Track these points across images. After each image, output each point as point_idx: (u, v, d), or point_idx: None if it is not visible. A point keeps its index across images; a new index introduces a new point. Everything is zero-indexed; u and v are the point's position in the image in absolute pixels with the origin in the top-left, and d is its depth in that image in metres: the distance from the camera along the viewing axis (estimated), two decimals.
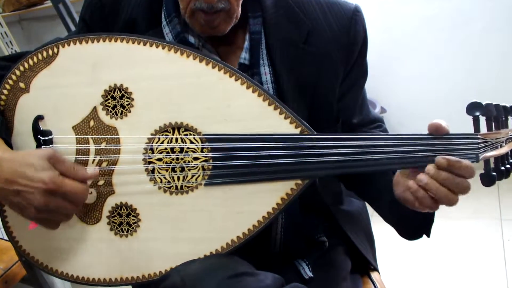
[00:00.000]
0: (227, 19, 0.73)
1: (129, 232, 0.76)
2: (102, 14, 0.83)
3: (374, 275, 0.92)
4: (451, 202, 0.66)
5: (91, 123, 0.76)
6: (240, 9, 0.74)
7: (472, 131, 0.68)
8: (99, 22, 0.83)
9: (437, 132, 0.67)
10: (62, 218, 0.72)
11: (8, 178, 0.68)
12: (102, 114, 0.75)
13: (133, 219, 0.76)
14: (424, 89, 2.33)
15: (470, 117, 0.69)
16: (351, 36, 0.80)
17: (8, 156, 0.70)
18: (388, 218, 0.81)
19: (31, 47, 0.86)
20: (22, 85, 0.78)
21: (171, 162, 0.73)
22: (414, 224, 0.77)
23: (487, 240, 1.87)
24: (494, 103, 0.68)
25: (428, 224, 0.76)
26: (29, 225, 0.77)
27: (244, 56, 0.79)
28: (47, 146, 0.76)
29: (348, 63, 0.82)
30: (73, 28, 1.91)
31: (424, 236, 0.78)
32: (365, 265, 0.93)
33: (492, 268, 1.72)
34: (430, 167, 0.66)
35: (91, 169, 0.74)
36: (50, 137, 0.77)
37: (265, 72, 0.80)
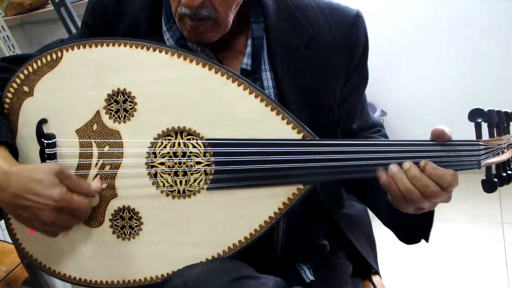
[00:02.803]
0: (215, 27, 0.73)
1: (131, 235, 0.76)
2: (105, 18, 0.83)
3: (375, 278, 0.92)
4: (417, 203, 0.66)
5: (94, 126, 0.77)
6: (230, 18, 0.74)
7: (472, 133, 0.69)
8: (101, 27, 0.84)
9: (439, 139, 0.67)
10: (64, 230, 0.74)
11: (16, 193, 0.68)
12: (105, 118, 0.76)
13: (135, 222, 0.76)
14: (424, 91, 2.34)
15: (469, 119, 0.69)
16: (353, 41, 0.81)
17: (16, 169, 0.70)
18: (386, 221, 0.81)
19: (33, 50, 0.87)
20: (26, 88, 0.79)
21: (173, 166, 0.73)
22: (412, 228, 0.77)
23: (488, 244, 1.87)
24: (496, 110, 0.69)
25: (426, 229, 0.76)
26: (28, 231, 0.77)
27: (246, 61, 0.79)
28: (51, 150, 0.77)
29: (349, 68, 0.82)
30: (74, 31, 1.91)
31: (424, 241, 0.78)
32: (367, 268, 0.93)
33: (493, 272, 1.72)
34: (406, 163, 0.67)
35: (94, 184, 0.75)
36: (53, 140, 0.77)
37: (267, 77, 0.80)
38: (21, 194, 0.68)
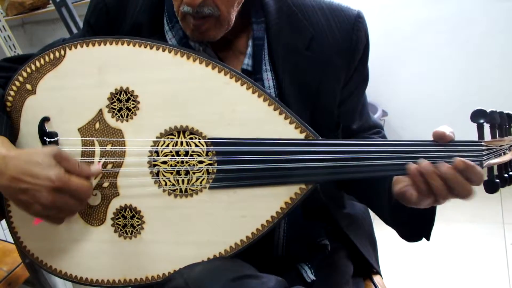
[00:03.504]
0: (217, 25, 0.73)
1: (133, 234, 0.76)
2: (108, 18, 0.83)
3: (376, 278, 0.92)
4: (444, 197, 0.66)
5: (97, 125, 0.77)
6: (233, 16, 0.74)
7: (473, 134, 0.69)
8: (104, 26, 0.84)
9: (441, 140, 0.67)
10: (67, 215, 0.73)
11: (14, 176, 0.68)
12: (107, 116, 0.76)
13: (137, 221, 0.76)
14: (425, 92, 2.34)
15: (471, 120, 0.70)
16: (353, 42, 0.81)
17: (14, 154, 0.71)
18: (388, 220, 0.81)
19: (34, 50, 0.87)
20: (29, 86, 0.79)
21: (176, 165, 0.74)
22: (414, 226, 0.77)
23: (489, 244, 1.87)
24: (498, 111, 0.69)
25: (428, 227, 0.77)
26: (34, 220, 0.77)
27: (247, 62, 0.79)
28: None
29: (350, 69, 0.82)
30: (75, 31, 1.91)
31: (425, 240, 0.78)
32: (368, 268, 0.93)
33: (494, 272, 1.72)
34: (439, 164, 0.65)
35: (95, 166, 0.75)
36: (55, 138, 0.77)
37: (268, 77, 0.80)
38: (18, 176, 0.68)
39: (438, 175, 0.65)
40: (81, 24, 1.80)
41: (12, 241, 0.85)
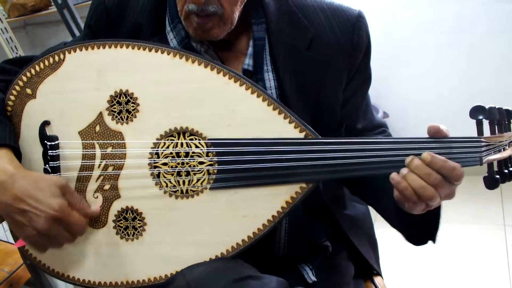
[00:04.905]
0: (221, 24, 0.73)
1: (134, 236, 0.76)
2: (108, 20, 0.84)
3: (377, 279, 0.92)
4: (428, 196, 0.65)
5: (97, 128, 0.77)
6: (236, 15, 0.74)
7: (475, 135, 0.69)
8: (104, 28, 0.84)
9: (436, 135, 0.68)
10: (54, 246, 0.73)
11: (18, 196, 0.69)
12: (108, 119, 0.76)
13: (138, 223, 0.76)
14: (427, 93, 2.34)
15: (473, 121, 0.70)
16: (354, 42, 0.81)
17: (21, 174, 0.71)
18: (393, 223, 0.81)
19: (36, 52, 0.87)
20: (29, 91, 0.79)
21: (176, 167, 0.74)
22: (419, 229, 0.77)
23: (490, 246, 1.87)
24: (497, 107, 0.69)
25: (433, 230, 0.76)
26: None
27: (248, 62, 0.80)
28: (54, 152, 0.77)
29: (352, 68, 0.82)
30: (77, 33, 1.92)
31: (432, 242, 0.78)
32: (368, 269, 0.93)
33: (495, 274, 1.72)
34: (409, 157, 0.66)
35: (94, 207, 0.76)
36: (56, 142, 0.78)
37: (269, 78, 0.80)
38: (22, 197, 0.69)
39: (415, 173, 0.65)
40: (82, 26, 1.80)
41: (13, 242, 0.85)
